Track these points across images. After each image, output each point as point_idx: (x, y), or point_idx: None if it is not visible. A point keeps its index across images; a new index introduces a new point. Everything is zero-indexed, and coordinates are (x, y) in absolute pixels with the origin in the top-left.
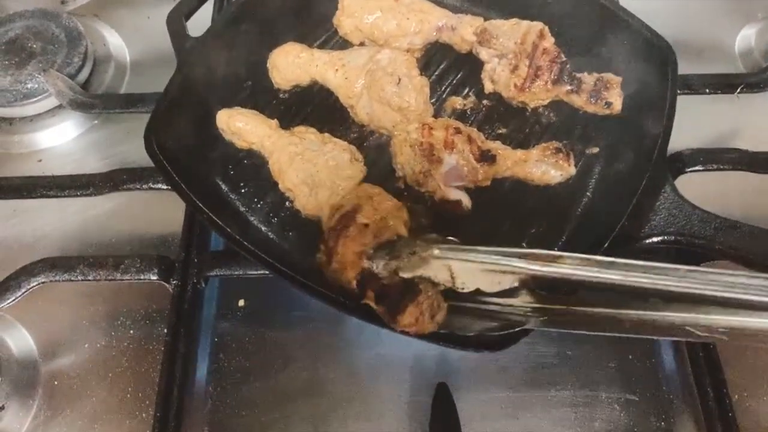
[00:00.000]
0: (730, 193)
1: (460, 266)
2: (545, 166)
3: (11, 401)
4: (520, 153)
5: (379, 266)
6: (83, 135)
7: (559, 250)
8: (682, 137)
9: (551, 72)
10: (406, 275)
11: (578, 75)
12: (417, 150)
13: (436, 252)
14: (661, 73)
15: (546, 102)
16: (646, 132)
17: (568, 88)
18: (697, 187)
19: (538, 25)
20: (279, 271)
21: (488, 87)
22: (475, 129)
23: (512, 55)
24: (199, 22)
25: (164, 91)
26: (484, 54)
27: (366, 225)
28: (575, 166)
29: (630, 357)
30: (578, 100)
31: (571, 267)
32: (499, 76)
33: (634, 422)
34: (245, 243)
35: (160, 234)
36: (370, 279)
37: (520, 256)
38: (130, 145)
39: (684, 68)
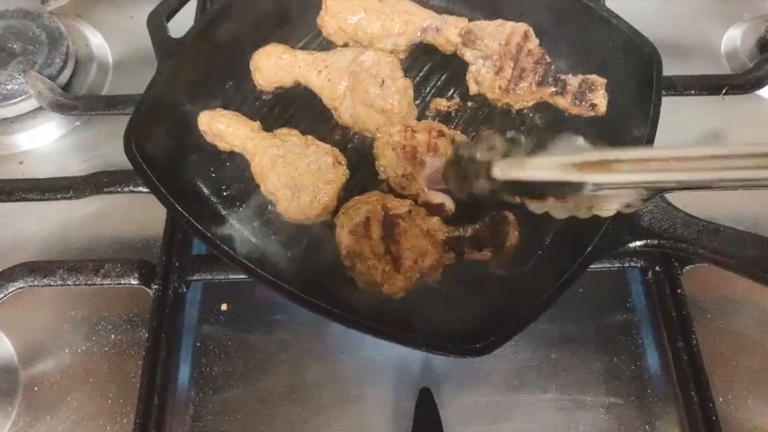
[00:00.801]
0: (714, 197)
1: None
2: None
3: None
4: None
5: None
6: (65, 137)
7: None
8: (667, 139)
9: (536, 74)
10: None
11: (563, 77)
12: (399, 153)
13: None
14: (646, 74)
15: (531, 104)
16: (631, 134)
17: (553, 89)
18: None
19: (522, 27)
20: (260, 276)
21: (473, 89)
22: (459, 132)
23: (497, 56)
24: (181, 23)
25: (144, 93)
26: (468, 55)
27: (409, 211)
28: None
29: (615, 360)
30: (563, 102)
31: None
32: (483, 77)
33: (619, 426)
34: (226, 248)
35: (141, 237)
36: (457, 243)
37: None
38: (112, 146)
39: (669, 69)
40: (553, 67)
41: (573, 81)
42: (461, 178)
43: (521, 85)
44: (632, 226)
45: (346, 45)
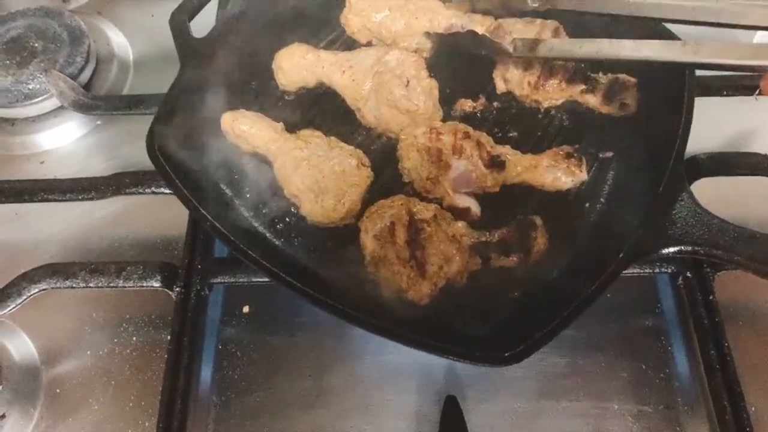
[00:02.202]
0: (748, 199)
1: None
2: (556, 172)
3: (12, 409)
4: (530, 158)
5: None
6: (86, 136)
7: (570, 262)
8: (699, 141)
9: (565, 71)
10: None
11: (593, 75)
12: (424, 155)
13: None
14: (677, 74)
15: (559, 102)
16: (662, 136)
17: (583, 87)
18: (713, 192)
19: (553, 24)
20: (284, 281)
21: (500, 87)
22: (485, 133)
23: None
24: (203, 23)
25: (167, 93)
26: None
27: (434, 216)
28: (588, 170)
29: (643, 367)
30: (592, 101)
31: None
32: (512, 74)
33: None
34: (249, 252)
35: (163, 238)
36: (483, 249)
37: None
38: (133, 146)
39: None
40: (583, 65)
41: (603, 80)
42: None
43: (550, 82)
44: (665, 232)
45: (369, 43)
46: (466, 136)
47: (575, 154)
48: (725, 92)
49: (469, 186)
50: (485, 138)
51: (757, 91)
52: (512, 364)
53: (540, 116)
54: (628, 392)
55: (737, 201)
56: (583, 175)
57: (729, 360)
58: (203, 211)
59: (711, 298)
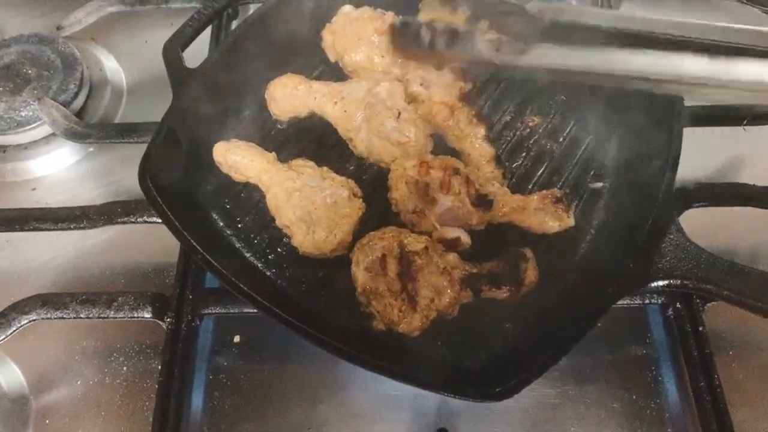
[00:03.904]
0: (737, 230)
1: None
2: (544, 216)
3: None
4: (518, 199)
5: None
6: (78, 163)
7: (561, 295)
8: (688, 171)
9: None
10: None
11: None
12: (412, 188)
13: None
14: (666, 105)
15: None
16: (651, 167)
17: None
18: (702, 222)
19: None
20: (275, 314)
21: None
22: (475, 170)
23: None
24: (196, 53)
25: (159, 124)
26: None
27: (425, 248)
28: (577, 204)
29: (634, 397)
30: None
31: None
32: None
33: None
34: (240, 284)
35: (155, 266)
36: (475, 281)
37: None
38: (126, 173)
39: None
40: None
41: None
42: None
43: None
44: (655, 266)
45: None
46: (456, 172)
47: (564, 199)
48: (714, 122)
49: (454, 222)
50: (475, 175)
51: (745, 121)
52: (503, 399)
53: (529, 146)
54: (619, 423)
55: (726, 231)
56: (570, 221)
57: (719, 391)
58: (194, 244)
59: (701, 329)
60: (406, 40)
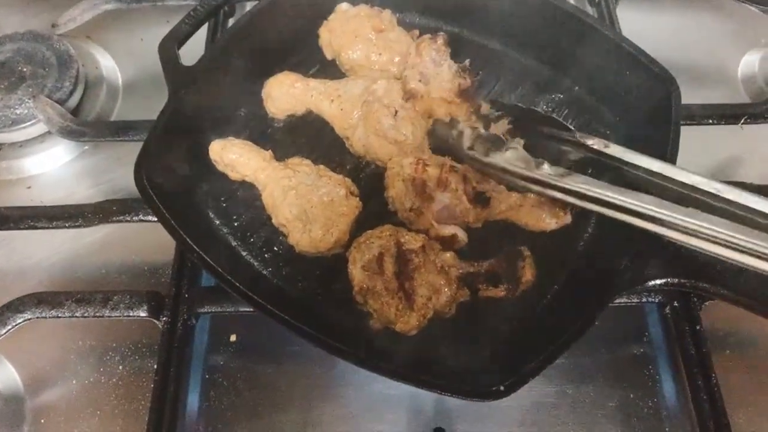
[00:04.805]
0: None
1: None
2: (541, 213)
3: None
4: (515, 197)
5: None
6: (73, 161)
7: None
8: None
9: None
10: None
11: None
12: (409, 186)
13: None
14: (664, 104)
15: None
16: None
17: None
18: None
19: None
20: (271, 313)
21: (412, 85)
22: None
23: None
24: (192, 50)
25: (155, 122)
26: (427, 52)
27: (422, 247)
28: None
29: (631, 396)
30: None
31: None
32: (442, 72)
33: None
34: (236, 283)
35: (150, 265)
36: (472, 279)
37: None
38: (121, 171)
39: (685, 95)
40: None
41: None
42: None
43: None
44: (653, 264)
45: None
46: (453, 169)
47: None
48: (711, 121)
49: (451, 220)
50: (472, 173)
51: (743, 120)
52: (501, 398)
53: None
54: (616, 421)
55: None
56: (567, 218)
57: (716, 390)
58: (190, 242)
59: (698, 327)
60: (444, 137)
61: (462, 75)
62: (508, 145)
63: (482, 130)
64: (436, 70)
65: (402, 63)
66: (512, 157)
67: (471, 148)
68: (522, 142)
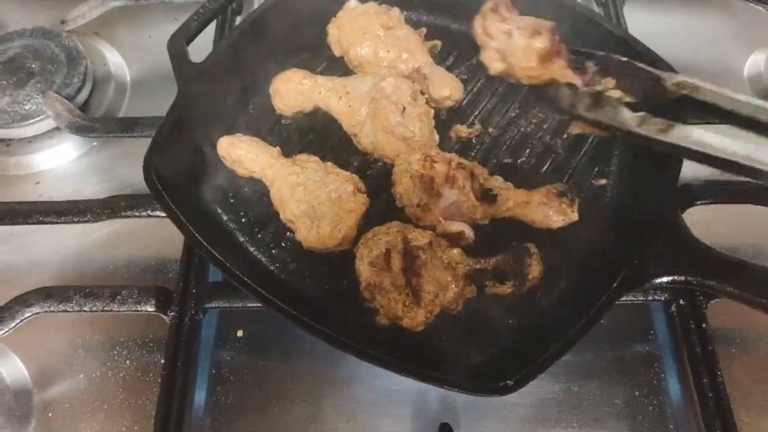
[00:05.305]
0: (741, 227)
1: None
2: (548, 210)
3: None
4: (522, 194)
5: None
6: (82, 157)
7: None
8: (691, 168)
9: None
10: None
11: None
12: (417, 182)
13: None
14: (672, 101)
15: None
16: (654, 165)
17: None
18: (706, 219)
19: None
20: (279, 308)
21: (496, 67)
22: (479, 165)
23: (531, 28)
24: (201, 47)
25: (165, 118)
26: (494, 28)
27: (429, 243)
28: (581, 199)
29: (636, 394)
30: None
31: None
32: (515, 44)
33: None
34: (244, 278)
35: (158, 260)
36: (479, 276)
37: None
38: (129, 167)
39: None
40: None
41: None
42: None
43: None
44: (658, 262)
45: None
46: (461, 166)
47: (568, 194)
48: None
49: (459, 216)
50: (479, 169)
51: None
52: (507, 394)
53: (534, 142)
54: (622, 419)
55: (730, 228)
56: (574, 216)
57: (722, 388)
58: (199, 238)
59: (703, 325)
60: (545, 97)
61: (537, 36)
62: (603, 92)
63: (583, 87)
64: (509, 42)
65: (410, 60)
66: (612, 112)
67: (572, 104)
68: (613, 82)
